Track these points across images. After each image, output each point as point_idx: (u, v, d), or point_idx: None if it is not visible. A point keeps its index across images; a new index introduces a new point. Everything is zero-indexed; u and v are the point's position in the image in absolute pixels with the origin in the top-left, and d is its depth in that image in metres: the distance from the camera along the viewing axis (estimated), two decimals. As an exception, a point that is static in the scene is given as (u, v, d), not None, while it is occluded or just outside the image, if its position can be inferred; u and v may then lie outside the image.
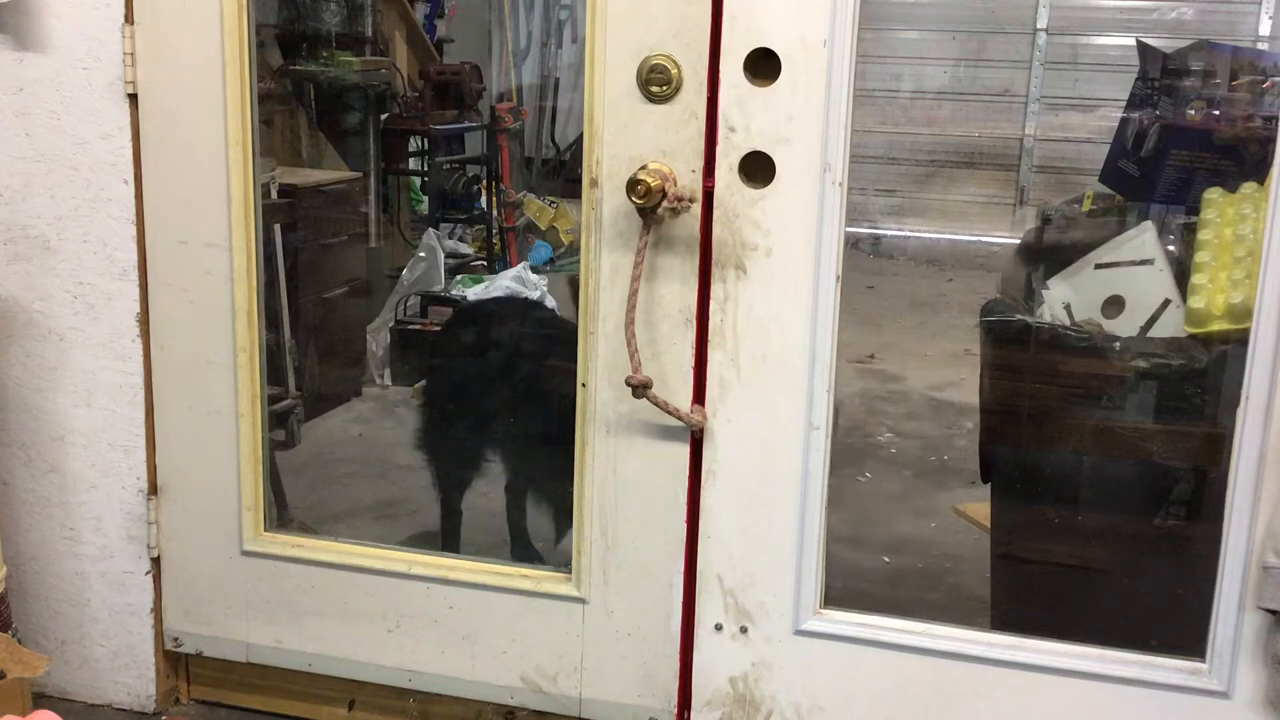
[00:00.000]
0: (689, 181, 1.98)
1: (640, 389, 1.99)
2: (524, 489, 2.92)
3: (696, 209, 1.99)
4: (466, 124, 5.42)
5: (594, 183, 2.04)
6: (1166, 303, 2.39)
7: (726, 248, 2.01)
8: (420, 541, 3.18)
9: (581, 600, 2.20)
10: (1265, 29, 5.25)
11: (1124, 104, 2.77)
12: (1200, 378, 2.31)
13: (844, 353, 2.07)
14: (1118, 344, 2.40)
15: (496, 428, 2.95)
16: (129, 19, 2.18)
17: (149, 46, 2.19)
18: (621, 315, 2.01)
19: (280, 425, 3.75)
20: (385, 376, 4.37)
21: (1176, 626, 2.10)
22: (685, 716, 2.20)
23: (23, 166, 2.29)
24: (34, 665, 1.45)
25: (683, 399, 2.06)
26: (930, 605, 2.94)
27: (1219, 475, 2.05)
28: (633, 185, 1.91)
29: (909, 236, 6.63)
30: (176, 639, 2.42)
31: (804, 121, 1.94)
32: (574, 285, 2.15)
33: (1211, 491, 2.24)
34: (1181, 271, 2.38)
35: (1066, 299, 2.51)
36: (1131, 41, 2.92)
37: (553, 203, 5.78)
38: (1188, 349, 2.32)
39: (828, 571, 2.12)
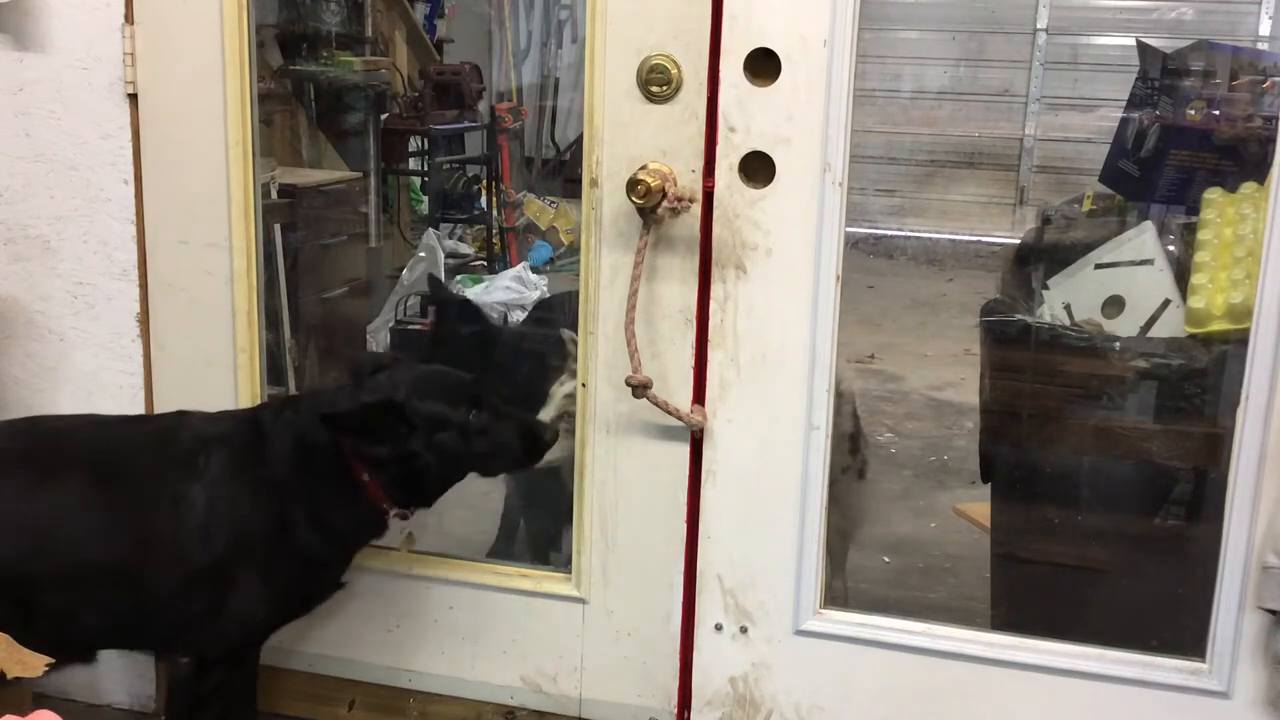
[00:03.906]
0: (689, 181, 1.98)
1: (640, 389, 1.99)
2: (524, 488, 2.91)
3: (696, 209, 1.99)
4: (466, 124, 5.41)
5: (594, 183, 2.04)
6: (1166, 303, 2.39)
7: (726, 248, 2.01)
8: (418, 541, 3.17)
9: (581, 600, 2.20)
10: (1265, 29, 5.25)
11: (1124, 104, 2.77)
12: (1200, 378, 2.30)
13: (844, 353, 2.07)
14: (1118, 344, 2.40)
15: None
16: (129, 19, 2.18)
17: (149, 46, 2.19)
18: (621, 315, 2.01)
19: (280, 425, 3.74)
20: (385, 376, 4.36)
21: (1176, 626, 2.10)
22: (685, 716, 2.20)
23: (23, 166, 2.28)
24: (34, 665, 1.45)
25: (683, 399, 2.06)
26: (930, 605, 2.94)
27: (1219, 475, 2.05)
28: (633, 185, 1.91)
29: (909, 236, 6.63)
30: (176, 639, 2.41)
31: (804, 121, 1.94)
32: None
33: (1211, 491, 2.24)
34: (1181, 271, 2.38)
35: (1066, 299, 2.51)
36: (1131, 41, 2.92)
37: (553, 203, 5.78)
38: (1188, 349, 2.32)
39: (828, 571, 2.12)
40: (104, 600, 1.88)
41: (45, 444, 1.95)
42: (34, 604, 1.84)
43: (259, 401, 2.26)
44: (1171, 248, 2.44)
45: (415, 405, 1.90)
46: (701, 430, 2.06)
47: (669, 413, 2.02)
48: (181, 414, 2.01)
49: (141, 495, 1.89)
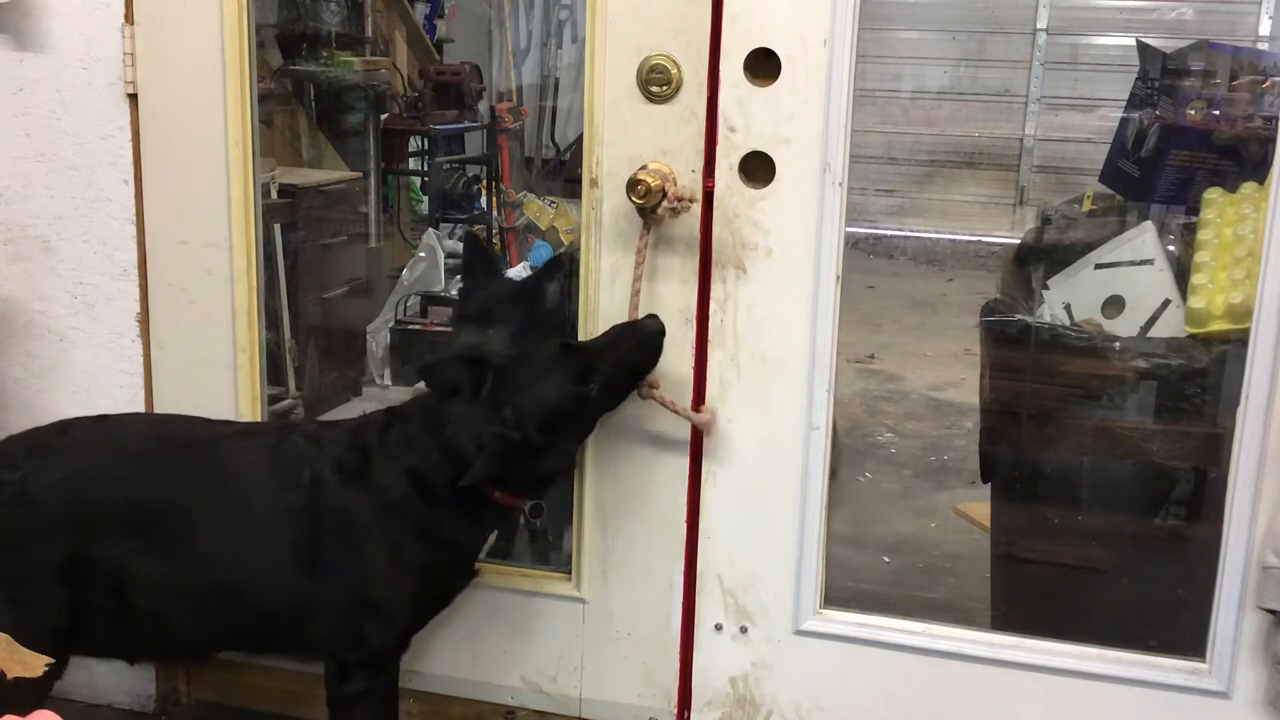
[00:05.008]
0: (689, 181, 1.98)
1: (647, 388, 1.98)
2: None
3: (696, 209, 1.98)
4: (466, 124, 5.40)
5: (594, 183, 2.04)
6: (1166, 303, 2.39)
7: (726, 248, 2.01)
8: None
9: (581, 600, 2.20)
10: (1265, 29, 5.25)
11: (1124, 104, 2.77)
12: (1200, 378, 2.31)
13: (844, 353, 2.07)
14: (1118, 344, 2.40)
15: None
16: (129, 19, 2.18)
17: (149, 46, 2.19)
18: (622, 315, 2.01)
19: (280, 425, 3.74)
20: (385, 376, 4.37)
21: (1176, 626, 2.10)
22: (685, 716, 2.20)
23: (23, 166, 2.28)
24: (34, 665, 1.45)
25: (683, 399, 2.06)
26: (930, 605, 2.94)
27: (1219, 475, 2.05)
28: (633, 185, 1.91)
29: (909, 236, 6.62)
30: (176, 639, 2.41)
31: (804, 121, 1.94)
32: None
33: (1211, 491, 2.24)
34: (1181, 271, 2.39)
35: (1066, 299, 2.51)
36: (1131, 41, 2.92)
37: (553, 203, 5.76)
38: (1188, 349, 2.32)
39: (827, 571, 2.12)
40: (211, 606, 1.90)
41: (171, 447, 1.95)
42: (133, 601, 1.86)
43: (362, 416, 2.06)
44: (1171, 248, 2.44)
45: (541, 422, 1.82)
46: (705, 429, 2.06)
47: (676, 412, 2.02)
48: (288, 426, 1.97)
49: (257, 511, 1.89)
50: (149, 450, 1.94)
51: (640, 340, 1.93)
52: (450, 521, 1.90)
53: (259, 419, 2.30)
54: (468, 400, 1.86)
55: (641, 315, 2.00)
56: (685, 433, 2.08)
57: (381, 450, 1.89)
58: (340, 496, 1.87)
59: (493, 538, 2.03)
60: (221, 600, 1.89)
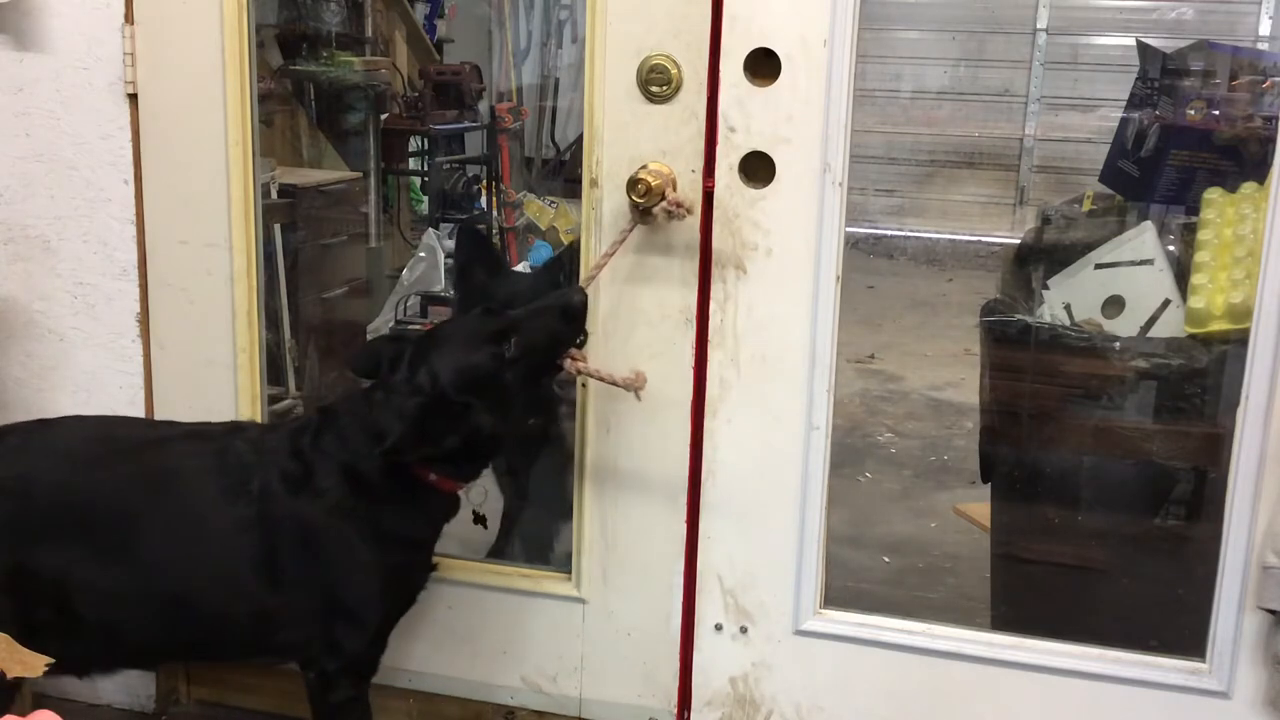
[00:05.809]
0: (689, 181, 1.98)
1: (571, 361, 1.92)
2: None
3: (696, 210, 1.98)
4: (466, 124, 5.40)
5: (594, 183, 2.04)
6: (1166, 303, 2.39)
7: (726, 248, 2.01)
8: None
9: (581, 600, 2.20)
10: (1265, 29, 5.26)
11: (1124, 104, 2.77)
12: (1200, 378, 2.31)
13: (844, 353, 2.07)
14: (1118, 344, 2.40)
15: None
16: (129, 19, 2.18)
17: (149, 46, 2.19)
18: (621, 317, 2.01)
19: (280, 425, 3.73)
20: (385, 376, 4.36)
21: (1176, 626, 2.10)
22: (685, 716, 2.20)
23: (23, 166, 2.29)
24: (34, 665, 1.45)
25: (683, 399, 2.06)
26: (930, 605, 2.94)
27: (1219, 475, 2.05)
28: (633, 184, 1.91)
29: (909, 236, 6.63)
30: (176, 639, 2.41)
31: (804, 121, 1.94)
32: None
33: (1211, 491, 2.24)
34: (1181, 271, 2.39)
35: (1066, 299, 2.51)
36: (1131, 41, 2.92)
37: (553, 203, 5.76)
38: (1188, 349, 2.32)
39: (827, 571, 2.12)
40: (162, 616, 1.87)
41: (113, 451, 1.90)
42: (79, 613, 1.82)
43: (296, 420, 2.12)
44: (1171, 248, 2.44)
45: (456, 380, 1.79)
46: (636, 393, 1.97)
47: (602, 380, 1.96)
48: (233, 429, 1.96)
49: (205, 519, 1.86)
50: (91, 455, 1.89)
51: (561, 308, 1.89)
52: (391, 511, 1.87)
53: (259, 419, 2.30)
54: (388, 380, 1.84)
55: (639, 317, 2.00)
56: (686, 432, 2.08)
57: (316, 452, 1.86)
58: (289, 506, 1.84)
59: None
60: (172, 610, 1.85)
